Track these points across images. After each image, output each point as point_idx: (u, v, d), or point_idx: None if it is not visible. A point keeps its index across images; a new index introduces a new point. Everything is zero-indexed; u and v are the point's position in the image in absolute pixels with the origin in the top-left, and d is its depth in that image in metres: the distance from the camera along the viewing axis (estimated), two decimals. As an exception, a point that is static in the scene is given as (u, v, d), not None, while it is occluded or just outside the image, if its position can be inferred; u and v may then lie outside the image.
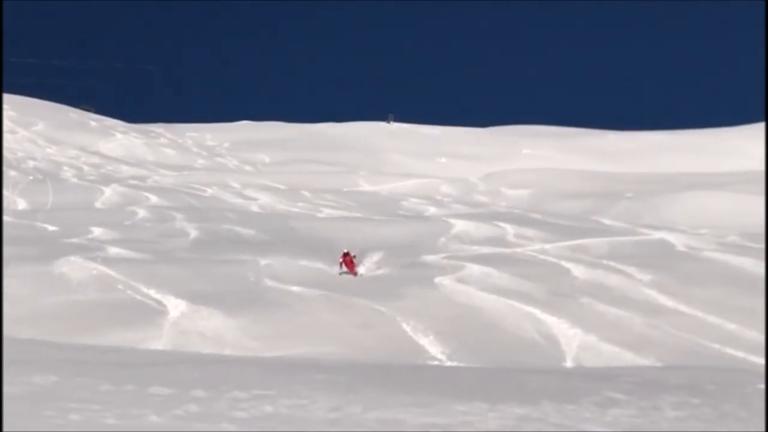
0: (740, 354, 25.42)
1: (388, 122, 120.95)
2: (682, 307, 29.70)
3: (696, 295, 30.68)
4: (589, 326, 27.79)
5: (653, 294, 31.28)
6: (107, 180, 69.80)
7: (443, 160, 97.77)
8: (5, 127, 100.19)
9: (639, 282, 32.68)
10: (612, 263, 35.36)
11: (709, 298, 30.27)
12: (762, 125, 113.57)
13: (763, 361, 24.36)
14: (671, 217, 50.31)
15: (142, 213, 52.30)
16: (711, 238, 41.33)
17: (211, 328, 26.37)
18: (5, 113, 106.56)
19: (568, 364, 25.04)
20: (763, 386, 14.05)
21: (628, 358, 25.24)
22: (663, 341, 26.75)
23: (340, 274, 35.53)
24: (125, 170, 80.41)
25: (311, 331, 26.66)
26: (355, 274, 36.33)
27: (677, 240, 40.38)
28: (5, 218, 48.29)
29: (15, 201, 56.52)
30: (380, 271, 36.65)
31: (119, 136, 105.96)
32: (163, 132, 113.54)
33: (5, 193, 58.55)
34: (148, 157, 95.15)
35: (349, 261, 36.40)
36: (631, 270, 34.16)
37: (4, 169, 70.25)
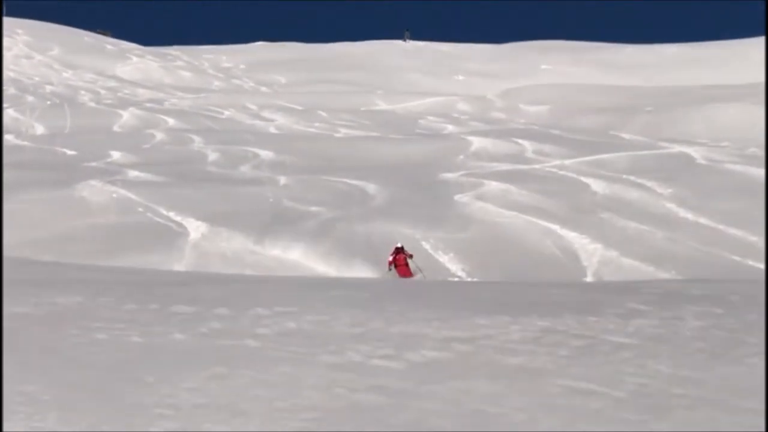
0: (762, 266, 25.39)
1: (405, 40, 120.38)
2: (703, 220, 29.69)
3: (717, 208, 30.65)
4: (609, 241, 27.80)
5: (673, 207, 31.28)
6: (124, 104, 69.71)
7: (460, 77, 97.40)
8: (21, 52, 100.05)
9: (659, 196, 32.67)
10: (632, 178, 35.32)
11: (730, 210, 30.24)
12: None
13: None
14: (691, 130, 50.18)
15: (160, 136, 52.31)
16: (731, 150, 41.24)
17: (231, 250, 26.43)
18: (20, 38, 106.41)
19: (589, 278, 25.10)
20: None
21: (648, 271, 25.26)
22: (684, 254, 26.75)
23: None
24: (142, 93, 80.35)
25: (330, 250, 26.71)
26: (410, 274, 28.68)
27: (697, 153, 40.28)
28: (24, 143, 48.32)
29: (33, 126, 56.54)
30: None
31: (135, 59, 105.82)
32: (180, 54, 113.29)
33: (22, 117, 58.54)
34: (164, 80, 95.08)
35: (402, 261, 28.83)
36: (651, 184, 34.12)
37: (22, 93, 70.17)
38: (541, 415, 7.08)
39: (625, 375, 8.21)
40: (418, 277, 28.38)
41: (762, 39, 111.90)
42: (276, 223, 29.19)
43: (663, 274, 24.66)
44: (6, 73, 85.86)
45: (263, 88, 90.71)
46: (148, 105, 69.46)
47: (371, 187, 33.80)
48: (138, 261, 23.29)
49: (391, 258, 28.67)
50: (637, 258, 26.50)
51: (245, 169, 40.06)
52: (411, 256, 28.97)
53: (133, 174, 36.87)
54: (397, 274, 28.68)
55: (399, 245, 29.39)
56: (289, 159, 42.84)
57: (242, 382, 7.43)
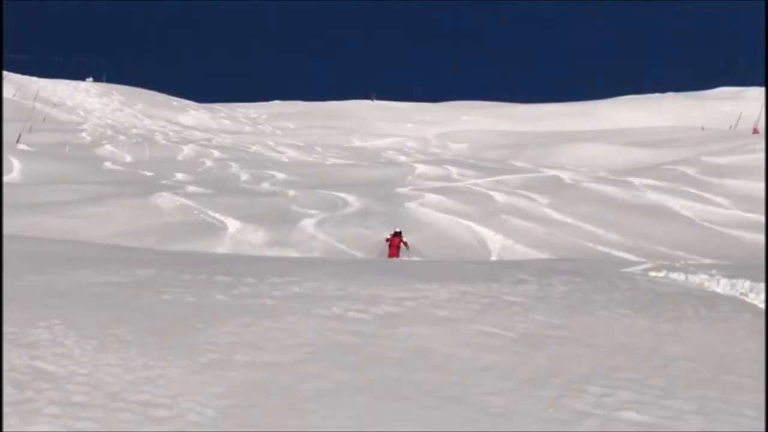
0: (607, 250, 25.56)
1: (372, 99, 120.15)
2: (569, 220, 29.84)
3: (577, 212, 30.82)
4: (507, 234, 27.92)
5: (549, 211, 31.40)
6: (185, 141, 69.38)
7: (409, 125, 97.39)
8: (116, 107, 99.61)
9: (540, 204, 32.77)
10: (522, 191, 35.42)
11: (586, 213, 30.42)
12: (624, 98, 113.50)
13: (622, 254, 24.52)
14: (560, 161, 50.41)
15: (209, 163, 52.17)
16: (587, 173, 41.42)
17: (256, 239, 26.41)
18: (115, 97, 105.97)
19: (494, 258, 25.18)
20: (624, 270, 14.15)
21: (532, 253, 25.36)
22: (556, 242, 26.90)
23: (379, 256, 25.23)
24: (197, 135, 79.88)
25: (323, 240, 26.73)
26: (397, 256, 25.79)
27: (565, 175, 40.43)
28: (117, 167, 48.10)
29: (124, 156, 56.22)
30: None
31: (192, 111, 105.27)
32: (222, 109, 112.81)
33: (117, 150, 58.29)
34: (212, 125, 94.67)
35: (395, 243, 25.98)
36: (534, 196, 34.24)
37: (116, 134, 69.88)
38: (461, 348, 7.13)
39: (516, 322, 8.26)
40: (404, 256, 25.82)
41: (610, 100, 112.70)
42: (287, 221, 29.18)
43: (542, 255, 24.77)
44: (105, 121, 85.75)
45: (278, 131, 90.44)
46: (202, 142, 69.11)
47: (350, 198, 33.79)
48: (193, 246, 23.24)
49: (388, 236, 26.73)
50: (525, 245, 26.63)
51: (266, 185, 39.98)
52: (406, 245, 26.19)
53: (191, 188, 36.70)
54: (387, 250, 26.24)
55: (398, 230, 27.35)
56: (296, 179, 42.79)
57: (261, 328, 7.45)
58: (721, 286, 12.73)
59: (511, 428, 5.23)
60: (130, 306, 8.26)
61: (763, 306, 10.71)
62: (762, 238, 27.37)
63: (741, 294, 11.77)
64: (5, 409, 5.17)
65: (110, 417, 5.12)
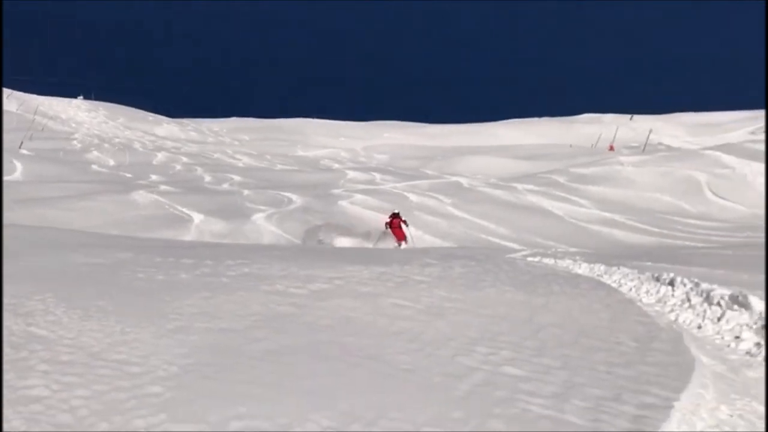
0: (496, 240, 25.83)
1: (312, 119, 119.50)
2: (466, 216, 30.11)
3: (473, 210, 31.11)
4: (419, 226, 28.04)
5: (451, 209, 31.64)
6: (159, 149, 68.08)
7: (343, 139, 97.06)
8: (102, 120, 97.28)
9: (444, 203, 33.01)
10: (430, 193, 35.63)
11: (480, 210, 30.73)
12: (510, 120, 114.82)
13: (507, 243, 24.83)
14: (460, 169, 50.82)
15: (178, 167, 51.35)
16: (481, 180, 41.86)
17: (216, 229, 26.07)
18: (101, 112, 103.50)
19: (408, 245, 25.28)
20: (508, 256, 14.35)
21: (438, 242, 25.53)
22: (456, 234, 27.12)
23: (375, 244, 23.10)
24: (169, 144, 78.42)
25: (271, 231, 26.51)
26: (402, 242, 23.37)
27: (464, 181, 40.81)
28: (103, 169, 47.01)
29: (108, 160, 54.99)
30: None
31: (165, 125, 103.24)
32: (189, 123, 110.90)
33: (102, 155, 56.96)
34: (181, 136, 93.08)
35: (397, 224, 23.79)
36: (440, 197, 34.47)
37: (101, 142, 68.27)
38: (378, 317, 7.14)
39: (422, 297, 8.31)
40: (408, 245, 23.10)
41: (499, 122, 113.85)
42: (242, 215, 28.86)
43: (445, 244, 24.95)
44: (93, 131, 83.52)
45: (236, 142, 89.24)
46: (172, 150, 67.93)
47: (294, 197, 33.55)
48: (164, 234, 22.86)
49: (388, 220, 24.31)
50: (432, 235, 26.77)
51: (225, 186, 39.48)
52: (406, 223, 24.08)
53: (163, 187, 36.06)
54: (392, 235, 23.89)
55: (396, 211, 24.96)
56: (249, 181, 42.37)
57: (218, 301, 7.36)
58: (582, 268, 13.00)
59: (417, 381, 5.26)
60: (111, 282, 8.09)
61: (614, 284, 10.96)
62: (615, 232, 28.00)
63: (597, 275, 12.03)
64: (5, 366, 5.05)
65: (91, 372, 5.03)
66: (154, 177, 43.42)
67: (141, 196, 31.92)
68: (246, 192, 35.54)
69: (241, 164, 58.03)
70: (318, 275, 9.12)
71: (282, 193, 34.91)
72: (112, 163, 54.44)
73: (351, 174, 46.54)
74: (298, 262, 10.24)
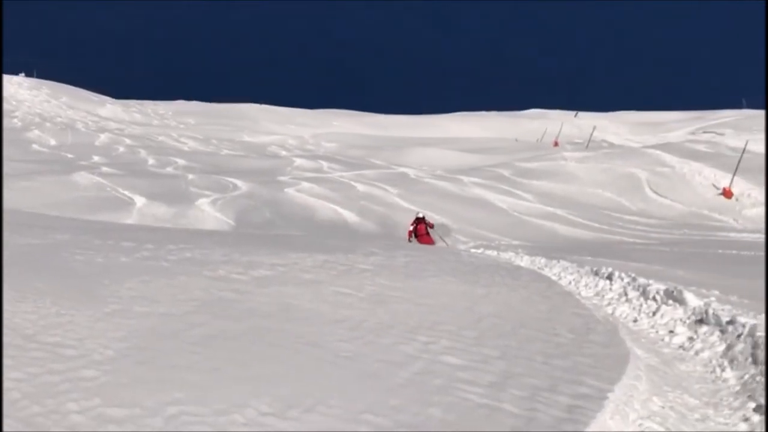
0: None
1: (260, 104, 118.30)
2: (412, 206, 30.16)
3: (419, 201, 31.23)
4: (364, 215, 28.07)
5: (398, 200, 31.73)
6: (102, 130, 66.71)
7: (291, 126, 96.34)
8: (44, 99, 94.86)
9: (391, 193, 33.07)
10: (378, 183, 35.65)
11: (426, 202, 30.87)
12: (458, 114, 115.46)
13: (453, 235, 24.99)
14: (408, 161, 50.93)
15: (121, 149, 50.45)
16: (427, 172, 42.04)
17: (159, 213, 25.70)
18: (44, 91, 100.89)
19: (352, 234, 25.27)
20: (452, 247, 14.47)
21: (384, 232, 25.60)
22: (402, 224, 27.21)
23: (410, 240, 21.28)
24: (112, 125, 76.89)
25: (215, 216, 26.25)
26: (432, 241, 21.45)
27: (411, 172, 40.95)
28: (43, 149, 45.90)
29: (49, 140, 53.73)
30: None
31: (109, 105, 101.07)
32: (135, 104, 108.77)
33: (43, 134, 55.62)
34: (125, 118, 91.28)
35: (423, 230, 21.76)
36: (387, 187, 34.51)
37: (43, 122, 66.62)
38: (320, 304, 7.11)
39: (365, 285, 8.31)
40: (439, 245, 20.80)
41: (447, 115, 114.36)
42: (185, 199, 28.50)
43: (390, 233, 25.02)
44: (34, 110, 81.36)
45: (181, 125, 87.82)
46: (116, 131, 66.67)
47: (239, 182, 33.22)
48: (105, 217, 22.41)
49: (411, 228, 21.98)
50: (377, 225, 26.82)
51: (169, 170, 38.89)
52: (432, 226, 21.90)
53: (105, 169, 35.38)
54: (417, 243, 20.97)
55: (420, 215, 22.51)
56: (194, 165, 41.79)
57: (158, 285, 7.24)
58: (524, 261, 13.17)
59: (357, 368, 5.26)
60: (48, 264, 7.90)
61: (554, 277, 11.13)
62: (557, 226, 28.42)
63: (538, 268, 12.20)
64: (-69, 348, 4.88)
65: (24, 355, 4.89)
66: (96, 158, 42.57)
67: (82, 178, 31.29)
68: (190, 176, 35.09)
69: (186, 148, 57.25)
70: (261, 261, 9.04)
71: (227, 178, 34.55)
72: (53, 143, 53.22)
73: (298, 161, 46.28)
74: (240, 248, 10.14)
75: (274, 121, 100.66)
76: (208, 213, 26.59)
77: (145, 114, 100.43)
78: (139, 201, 27.30)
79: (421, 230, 21.76)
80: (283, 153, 58.47)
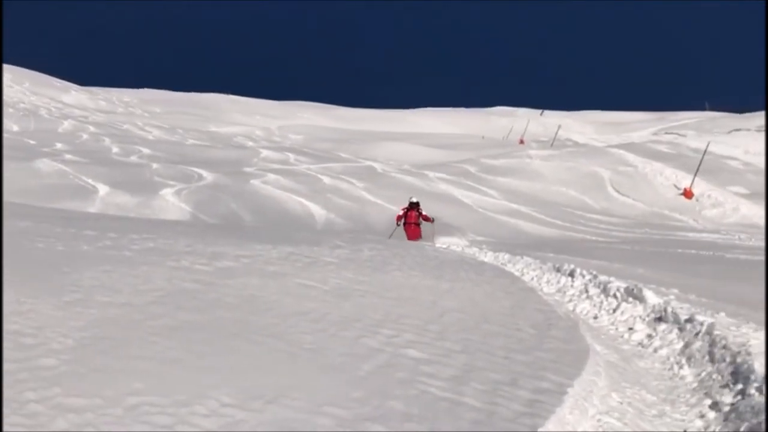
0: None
1: (227, 94, 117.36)
2: (378, 200, 30.24)
3: (385, 195, 31.27)
4: (330, 209, 28.00)
5: (364, 194, 31.71)
6: (66, 117, 65.70)
7: (258, 117, 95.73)
8: (6, 84, 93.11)
9: (357, 187, 33.04)
10: (344, 177, 35.59)
11: (392, 196, 30.90)
12: (426, 109, 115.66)
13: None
14: (374, 155, 50.92)
15: (85, 136, 49.70)
16: (394, 166, 42.07)
17: (122, 202, 25.40)
18: (6, 75, 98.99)
19: (318, 227, 25.20)
20: (417, 241, 14.50)
21: (349, 225, 25.56)
22: (368, 217, 27.21)
23: (390, 237, 17.96)
24: (77, 112, 75.74)
25: (179, 206, 26.00)
26: (418, 236, 18.69)
27: (378, 166, 40.93)
28: (6, 135, 45.06)
29: (12, 126, 52.76)
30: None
31: (74, 92, 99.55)
32: (100, 92, 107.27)
33: (5, 121, 54.59)
34: (90, 105, 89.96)
35: (413, 218, 19.16)
36: (353, 180, 34.48)
37: (5, 108, 65.37)
38: (284, 296, 7.08)
39: (330, 278, 8.30)
40: (427, 243, 17.33)
41: (416, 110, 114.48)
42: (150, 189, 28.19)
43: (356, 227, 25.00)
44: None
45: (146, 114, 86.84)
46: (80, 118, 65.70)
47: (204, 173, 32.94)
48: (68, 205, 22.10)
49: (401, 212, 19.62)
50: (344, 219, 26.77)
51: (134, 158, 38.42)
52: (428, 219, 19.07)
53: (68, 156, 34.85)
54: (404, 232, 18.88)
55: (414, 200, 19.66)
56: (159, 154, 41.33)
57: (120, 274, 7.15)
58: (488, 257, 13.24)
59: (320, 360, 5.25)
60: (8, 251, 7.75)
61: (517, 273, 11.21)
62: (521, 223, 28.64)
63: (502, 263, 12.28)
64: None
65: (-19, 343, 4.80)
66: (59, 145, 41.89)
67: (45, 165, 30.79)
68: (155, 165, 34.71)
69: (151, 137, 56.60)
70: (225, 253, 8.98)
71: (192, 168, 34.24)
72: (15, 128, 52.26)
73: (264, 153, 46.00)
74: (205, 239, 10.06)
75: (240, 111, 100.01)
76: (173, 203, 26.34)
77: (110, 102, 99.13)
78: (103, 189, 26.95)
79: (411, 218, 19.28)
80: (250, 144, 58.10)
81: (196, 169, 33.83)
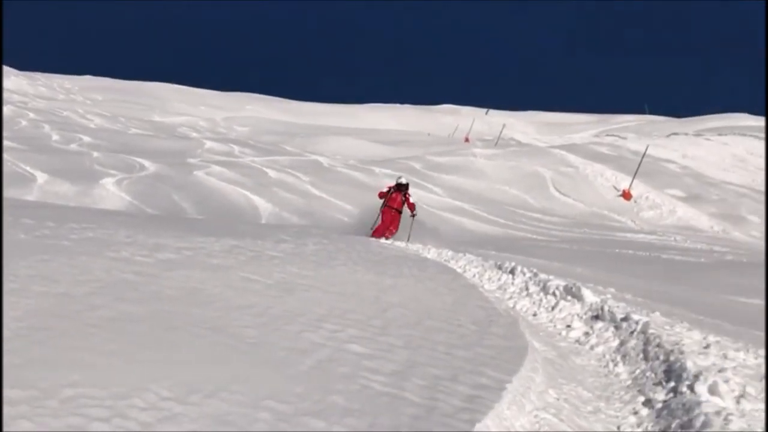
0: (345, 219, 25.97)
1: (172, 84, 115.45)
2: (324, 195, 30.18)
3: (331, 190, 31.23)
4: (275, 203, 27.84)
5: (310, 188, 31.61)
6: (4, 102, 63.92)
7: (202, 108, 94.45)
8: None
9: (303, 181, 32.91)
10: (290, 170, 35.42)
11: (338, 191, 30.89)
12: (374, 105, 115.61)
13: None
14: (321, 149, 50.75)
15: (24, 123, 48.42)
16: (341, 161, 42.00)
17: (62, 191, 24.84)
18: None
19: (263, 221, 25.04)
20: (362, 237, 14.50)
21: (294, 219, 25.45)
22: (314, 212, 27.13)
23: (372, 228, 16.86)
24: (16, 98, 73.68)
25: (120, 196, 25.55)
26: (390, 231, 16.44)
27: (324, 160, 40.82)
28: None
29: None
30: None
31: (13, 77, 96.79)
32: (40, 77, 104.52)
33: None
34: (30, 91, 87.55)
35: (397, 203, 16.84)
36: (299, 174, 34.34)
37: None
38: (227, 290, 7.02)
39: (274, 272, 8.25)
40: (393, 241, 15.37)
41: (370, 105, 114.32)
42: (90, 178, 27.63)
43: (301, 222, 24.90)
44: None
45: (88, 101, 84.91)
46: (19, 104, 63.95)
47: (147, 163, 32.41)
48: (5, 193, 21.50)
49: (385, 190, 17.24)
50: (289, 212, 26.65)
51: (74, 146, 37.57)
52: (412, 210, 16.65)
53: (6, 143, 33.88)
54: (380, 219, 16.73)
55: (403, 181, 17.26)
56: (100, 143, 40.50)
57: (57, 264, 6.99)
58: (431, 253, 13.32)
59: (262, 354, 5.22)
60: (-61, 239, 7.51)
61: (459, 270, 11.31)
62: (464, 220, 28.90)
63: (445, 260, 12.36)
64: None
65: None
66: (-4, 131, 40.76)
67: (-20, 151, 29.91)
68: (96, 154, 34.02)
69: (92, 125, 55.43)
70: (166, 244, 8.85)
71: (134, 158, 33.65)
72: (-50, 113, 50.64)
73: (209, 144, 45.47)
74: (146, 230, 9.90)
75: (185, 101, 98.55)
76: (113, 193, 25.86)
77: (51, 88, 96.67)
78: (41, 177, 26.31)
79: (394, 202, 16.78)
80: (194, 135, 57.36)
81: (138, 159, 33.27)
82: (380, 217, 16.94)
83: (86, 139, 41.80)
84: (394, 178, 22.19)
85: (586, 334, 7.95)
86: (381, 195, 17.25)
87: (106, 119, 62.04)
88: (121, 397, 4.11)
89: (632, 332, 7.37)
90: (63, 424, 3.72)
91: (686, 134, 57.74)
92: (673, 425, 5.17)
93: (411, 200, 17.02)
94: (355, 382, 4.89)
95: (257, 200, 28.08)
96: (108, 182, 27.26)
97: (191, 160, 35.71)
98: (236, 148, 44.25)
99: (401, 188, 16.96)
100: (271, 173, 34.00)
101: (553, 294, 9.25)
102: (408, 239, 16.05)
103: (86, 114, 64.91)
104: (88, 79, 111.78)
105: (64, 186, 25.48)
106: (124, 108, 79.18)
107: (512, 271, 10.83)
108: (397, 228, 16.74)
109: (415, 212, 16.90)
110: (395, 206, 16.78)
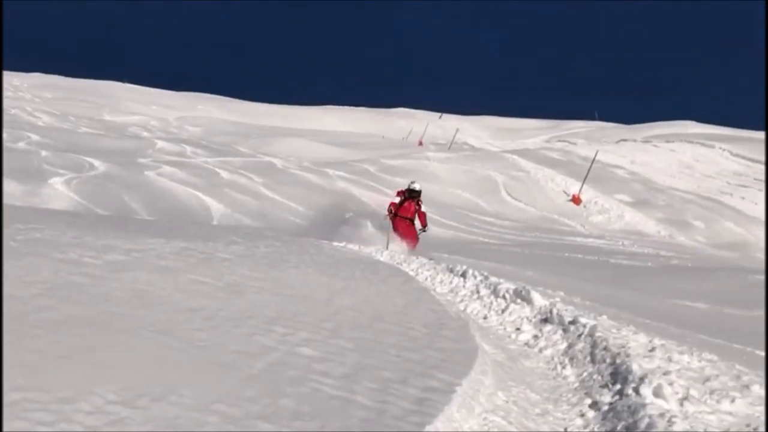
0: (298, 221, 25.89)
1: (123, 82, 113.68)
2: (277, 197, 30.06)
3: (285, 191, 31.12)
4: (228, 204, 27.63)
5: (263, 189, 31.45)
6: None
7: (154, 107, 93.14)
8: None
9: (256, 183, 32.73)
10: (242, 171, 35.18)
11: (292, 193, 30.79)
12: (327, 107, 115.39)
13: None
14: (275, 150, 50.47)
15: (-31, 120, 47.35)
16: (295, 162, 41.85)
17: (8, 190, 24.28)
18: None
19: (214, 222, 24.82)
20: (314, 239, 14.45)
21: (246, 221, 25.28)
22: (266, 213, 27.01)
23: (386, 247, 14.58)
24: (-40, 94, 71.98)
25: (69, 196, 25.10)
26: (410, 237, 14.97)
27: (278, 162, 40.63)
28: None
29: None
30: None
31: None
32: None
33: None
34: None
35: (410, 211, 15.56)
36: (252, 176, 34.13)
37: None
38: (176, 292, 6.94)
39: (225, 274, 8.18)
40: (412, 252, 13.92)
41: (319, 107, 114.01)
42: (38, 177, 27.08)
43: (253, 224, 24.74)
44: None
45: (37, 99, 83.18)
46: (-36, 102, 62.51)
47: (97, 162, 31.89)
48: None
49: (397, 200, 15.70)
50: (241, 214, 26.47)
51: (22, 145, 36.79)
52: (424, 224, 15.35)
53: (-50, 140, 33.13)
54: (391, 226, 15.02)
55: (416, 186, 15.87)
56: (49, 141, 39.72)
57: (4, 266, 6.84)
58: (384, 256, 13.35)
59: (211, 357, 5.18)
60: None
61: (411, 273, 11.36)
62: (417, 223, 29.00)
63: (397, 263, 12.40)
64: None
65: None
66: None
67: None
68: (44, 153, 33.36)
69: (41, 123, 54.34)
70: (115, 246, 8.71)
71: (84, 157, 33.08)
72: None
73: (160, 144, 44.92)
74: (94, 231, 9.73)
75: (136, 100, 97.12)
76: (62, 192, 25.39)
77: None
78: (-13, 176, 25.70)
79: (407, 211, 15.37)
80: (145, 134, 56.63)
81: (87, 159, 32.71)
82: (391, 227, 15.27)
83: (34, 137, 40.96)
84: (345, 180, 22.31)
85: (535, 337, 8.05)
86: (393, 206, 15.54)
87: (55, 118, 60.89)
88: (66, 401, 4.04)
89: (580, 335, 7.48)
90: (7, 428, 3.65)
91: (635, 141, 58.84)
92: (619, 427, 5.26)
93: (423, 209, 15.61)
94: (306, 386, 4.88)
95: (209, 201, 27.84)
96: (57, 182, 26.75)
97: (142, 160, 35.25)
98: (188, 149, 43.79)
99: (414, 195, 15.61)
100: (224, 174, 33.73)
101: (504, 297, 9.34)
102: (387, 246, 14.63)
103: (35, 112, 63.62)
104: (37, 77, 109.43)
105: (11, 185, 24.91)
106: (74, 106, 77.77)
107: (464, 275, 10.91)
108: (415, 240, 15.16)
109: (426, 228, 15.51)
110: (409, 216, 15.33)
